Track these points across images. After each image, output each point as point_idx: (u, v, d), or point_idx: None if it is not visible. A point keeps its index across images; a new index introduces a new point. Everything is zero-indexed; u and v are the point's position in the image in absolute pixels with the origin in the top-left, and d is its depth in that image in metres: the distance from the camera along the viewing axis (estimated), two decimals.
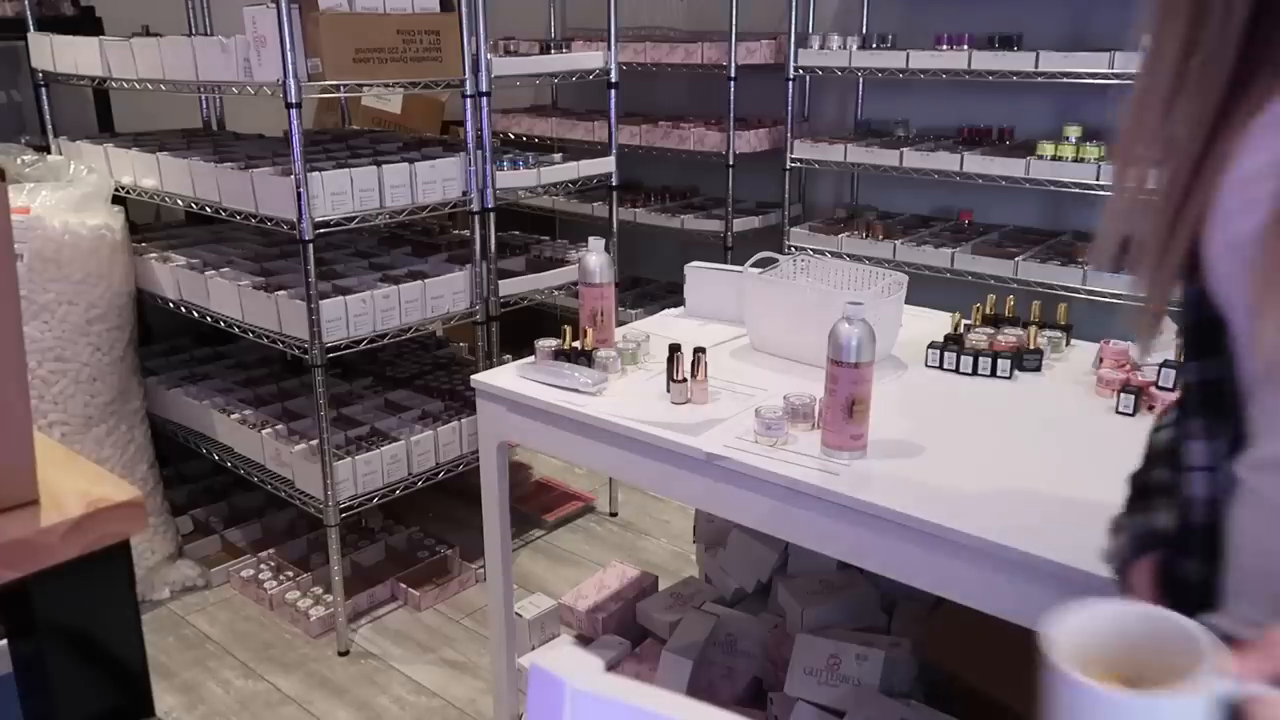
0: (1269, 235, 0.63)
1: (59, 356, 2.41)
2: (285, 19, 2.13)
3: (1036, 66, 2.74)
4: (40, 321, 2.37)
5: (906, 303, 1.87)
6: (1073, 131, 2.79)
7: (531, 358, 1.80)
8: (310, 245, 2.28)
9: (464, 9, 2.47)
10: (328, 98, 3.31)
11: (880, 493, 1.30)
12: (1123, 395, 1.57)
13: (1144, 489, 0.88)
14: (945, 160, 2.94)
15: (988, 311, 1.93)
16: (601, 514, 3.28)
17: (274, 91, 2.22)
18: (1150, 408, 1.58)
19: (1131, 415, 1.55)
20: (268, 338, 2.49)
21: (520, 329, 2.87)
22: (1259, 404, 0.70)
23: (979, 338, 1.78)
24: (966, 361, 1.74)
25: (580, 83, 2.97)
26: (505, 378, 1.75)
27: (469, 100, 2.55)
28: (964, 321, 1.88)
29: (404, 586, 2.75)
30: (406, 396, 2.96)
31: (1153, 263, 0.77)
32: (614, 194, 3.02)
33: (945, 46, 2.95)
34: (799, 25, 3.27)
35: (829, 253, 3.14)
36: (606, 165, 2.95)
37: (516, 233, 3.46)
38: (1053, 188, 2.79)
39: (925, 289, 2.49)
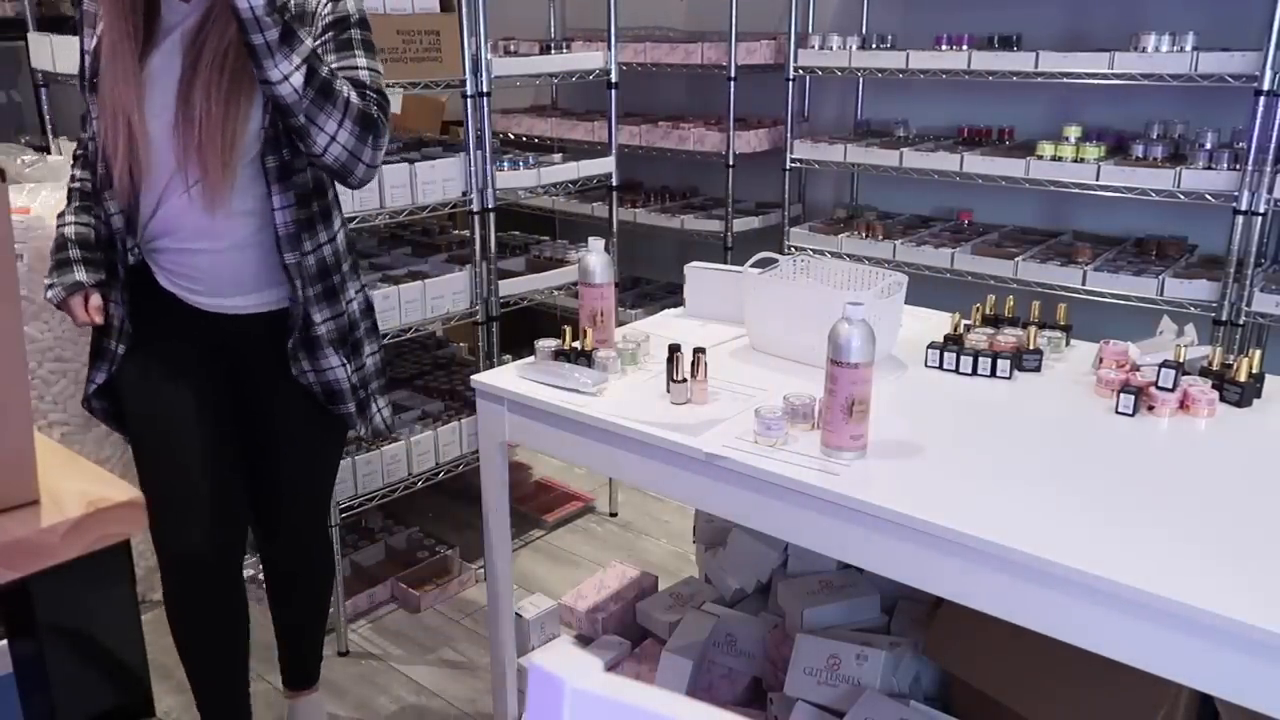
0: None
1: (59, 356, 2.41)
2: None
3: (1036, 67, 2.74)
4: (40, 321, 2.37)
5: (906, 303, 1.87)
6: (1072, 131, 2.79)
7: (531, 358, 1.80)
8: None
9: (464, 9, 2.47)
10: None
11: (880, 493, 1.30)
12: (1122, 395, 1.57)
13: None
14: (945, 160, 2.94)
15: (987, 312, 1.93)
16: (601, 514, 3.28)
17: None
18: (1150, 408, 1.58)
19: (1131, 415, 1.56)
20: None
21: (520, 329, 2.87)
22: None
23: (979, 338, 1.79)
24: (966, 361, 1.74)
25: (580, 83, 2.97)
26: (505, 378, 1.75)
27: (469, 100, 2.55)
28: (964, 322, 1.88)
29: (404, 587, 2.75)
30: (406, 396, 2.96)
31: None
32: (614, 194, 3.02)
33: (945, 47, 2.95)
34: (799, 25, 3.27)
35: (829, 253, 3.14)
36: (606, 165, 2.95)
37: (516, 233, 3.46)
38: (1052, 188, 2.79)
39: (925, 289, 2.49)
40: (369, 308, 1.93)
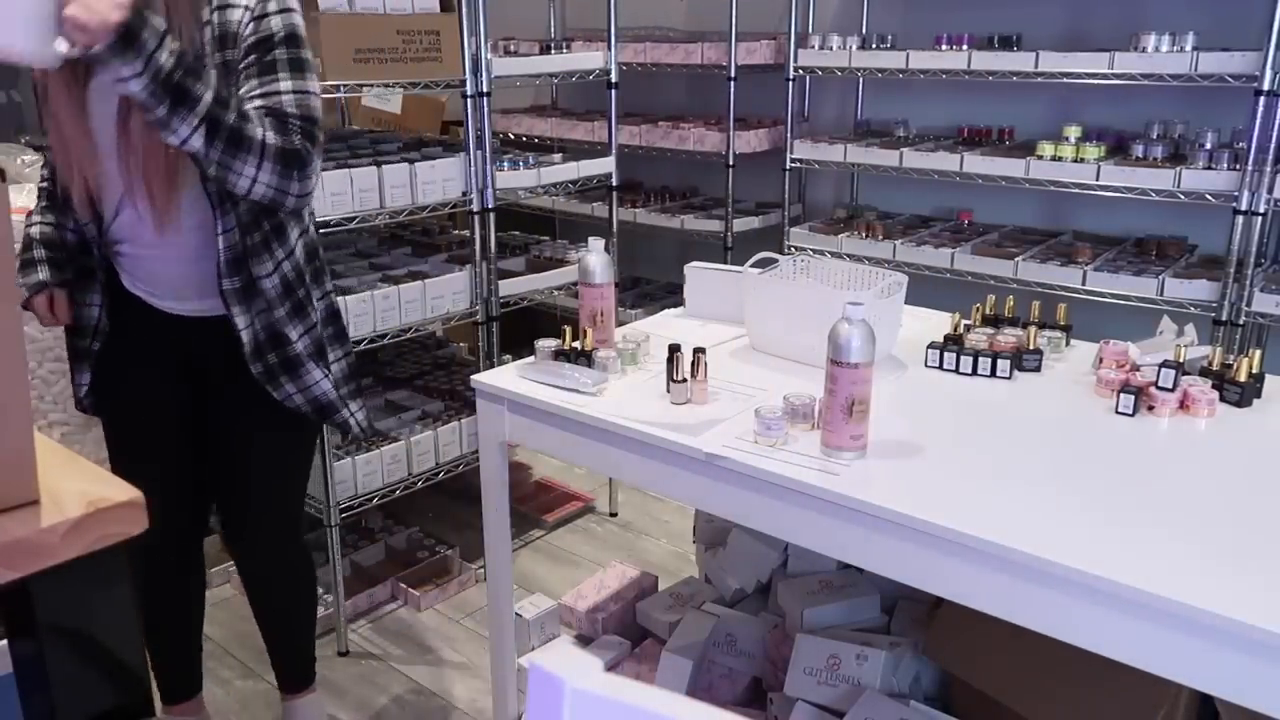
0: None
1: (59, 356, 2.41)
2: None
3: (1036, 67, 2.74)
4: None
5: (906, 303, 1.87)
6: (1072, 131, 2.79)
7: (531, 358, 1.80)
8: None
9: (464, 9, 2.47)
10: (328, 98, 3.31)
11: (880, 493, 1.30)
12: (1122, 395, 1.57)
13: None
14: (945, 160, 2.94)
15: (987, 312, 1.93)
16: (601, 514, 3.28)
17: None
18: (1150, 408, 1.58)
19: (1131, 415, 1.56)
20: None
21: (520, 329, 2.87)
22: None
23: (979, 338, 1.79)
24: (966, 361, 1.74)
25: (580, 83, 2.97)
26: (505, 378, 1.75)
27: (469, 100, 2.55)
28: (964, 322, 1.88)
29: (404, 586, 2.75)
30: (406, 396, 2.96)
31: None
32: (614, 194, 3.02)
33: (945, 47, 2.95)
34: (799, 25, 3.27)
35: (829, 253, 3.14)
36: (606, 165, 2.95)
37: (516, 233, 3.46)
38: (1052, 188, 2.79)
39: (925, 289, 2.49)
40: (333, 314, 1.91)
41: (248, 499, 1.95)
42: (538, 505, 3.25)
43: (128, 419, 1.87)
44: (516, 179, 2.75)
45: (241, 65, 1.59)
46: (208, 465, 1.92)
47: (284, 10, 1.62)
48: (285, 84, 1.60)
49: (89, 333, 1.80)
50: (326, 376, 1.84)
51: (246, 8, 1.60)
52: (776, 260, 1.95)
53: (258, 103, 1.58)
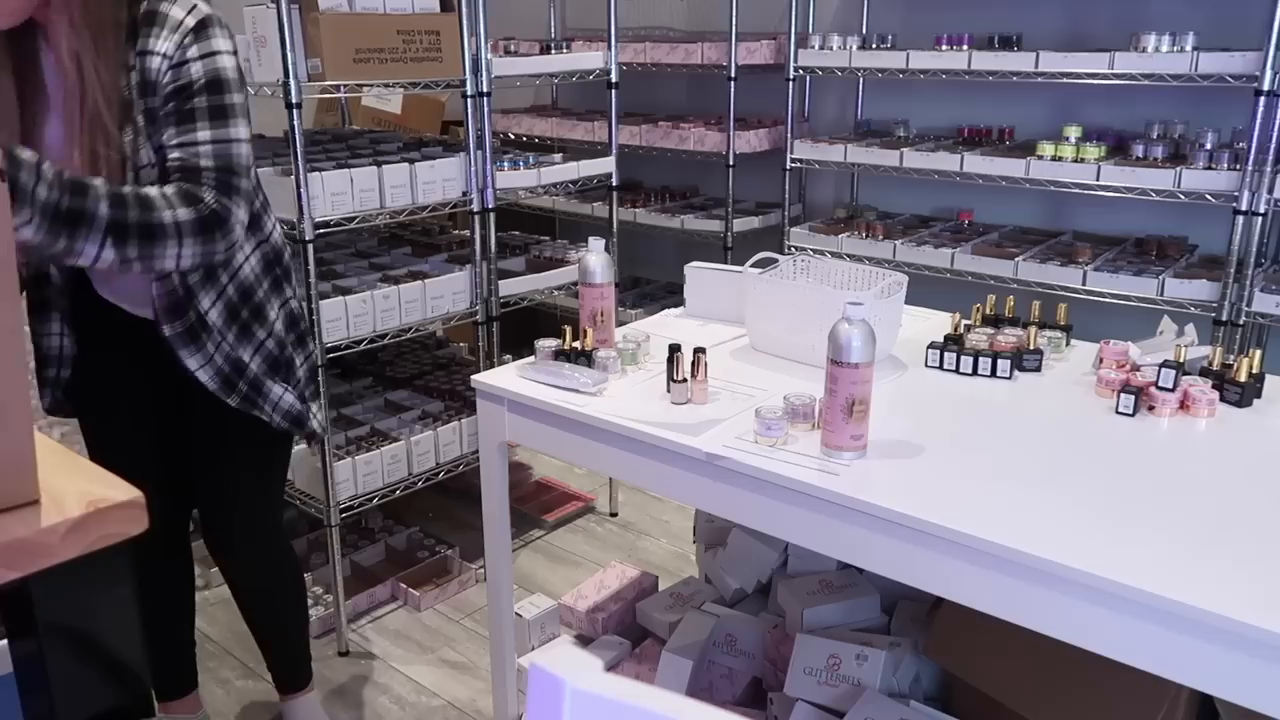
0: None
1: None
2: (285, 19, 2.13)
3: (1036, 67, 2.74)
4: None
5: (906, 303, 1.87)
6: (1072, 132, 2.79)
7: (531, 358, 1.80)
8: (310, 245, 2.28)
9: (464, 9, 2.47)
10: (328, 98, 3.31)
11: (880, 493, 1.30)
12: (1122, 395, 1.57)
13: None
14: (945, 160, 2.94)
15: (988, 312, 1.93)
16: (601, 514, 3.28)
17: (274, 92, 2.22)
18: (1150, 408, 1.58)
19: (1131, 415, 1.56)
20: None
21: (520, 329, 2.88)
22: None
23: (979, 338, 1.79)
24: (966, 361, 1.74)
25: (580, 83, 2.97)
26: (505, 378, 1.75)
27: (469, 100, 2.55)
28: (964, 322, 1.88)
29: (404, 586, 2.75)
30: (406, 396, 2.96)
31: None
32: (614, 194, 3.02)
33: (945, 47, 2.95)
34: (799, 25, 3.27)
35: (829, 253, 3.14)
36: (606, 165, 2.95)
37: (516, 233, 3.46)
38: (1052, 188, 2.79)
39: (925, 289, 2.49)
40: (293, 320, 1.87)
41: (225, 503, 1.95)
42: (538, 505, 3.25)
43: (108, 416, 1.88)
44: (516, 179, 2.75)
45: (161, 113, 1.54)
46: (186, 457, 1.93)
47: (208, 55, 1.54)
48: (203, 134, 1.54)
49: (54, 362, 1.80)
50: (287, 390, 1.84)
51: (165, 55, 1.53)
52: (776, 260, 1.95)
53: (174, 154, 1.54)
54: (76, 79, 1.48)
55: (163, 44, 1.52)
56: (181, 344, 1.69)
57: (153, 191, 1.49)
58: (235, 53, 1.60)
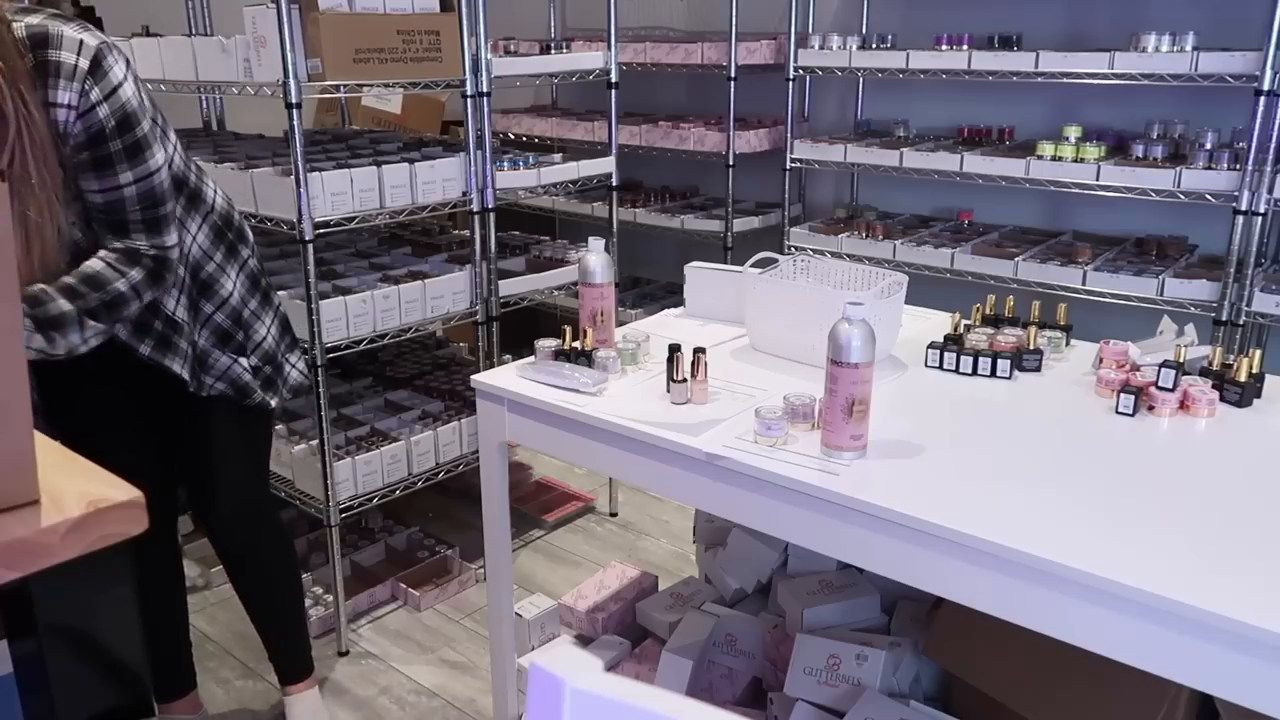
0: None
1: None
2: (285, 19, 2.13)
3: (1036, 67, 2.74)
4: None
5: (906, 303, 1.87)
6: (1072, 131, 2.79)
7: (531, 358, 1.80)
8: (310, 245, 2.28)
9: (464, 9, 2.47)
10: (328, 98, 3.31)
11: (880, 493, 1.30)
12: (1122, 395, 1.57)
13: None
14: (945, 160, 2.94)
15: (987, 311, 1.93)
16: (601, 514, 3.28)
17: (274, 92, 2.22)
18: (1150, 408, 1.58)
19: (1131, 415, 1.56)
20: None
21: (520, 329, 2.87)
22: None
23: (979, 338, 1.78)
24: (966, 361, 1.74)
25: (580, 83, 2.97)
26: (505, 378, 1.75)
27: (469, 100, 2.55)
28: (964, 321, 1.88)
29: (404, 586, 2.75)
30: (406, 396, 2.96)
31: None
32: (614, 194, 3.02)
33: (945, 46, 2.95)
34: (799, 25, 3.27)
35: (829, 253, 3.14)
36: (606, 165, 2.95)
37: (516, 233, 3.46)
38: (1052, 188, 2.79)
39: (925, 289, 2.50)
40: (253, 284, 1.90)
41: (202, 481, 1.98)
42: (538, 505, 3.25)
43: (89, 423, 1.88)
44: (516, 179, 2.75)
45: (76, 161, 1.54)
46: (165, 448, 1.95)
47: (110, 94, 1.53)
48: (125, 176, 1.57)
49: None
50: (236, 360, 1.87)
51: (70, 107, 1.50)
52: (776, 260, 1.95)
53: (97, 199, 1.57)
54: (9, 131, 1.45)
55: (64, 94, 1.50)
56: (161, 355, 1.76)
57: (97, 266, 1.59)
58: (130, 72, 1.58)
